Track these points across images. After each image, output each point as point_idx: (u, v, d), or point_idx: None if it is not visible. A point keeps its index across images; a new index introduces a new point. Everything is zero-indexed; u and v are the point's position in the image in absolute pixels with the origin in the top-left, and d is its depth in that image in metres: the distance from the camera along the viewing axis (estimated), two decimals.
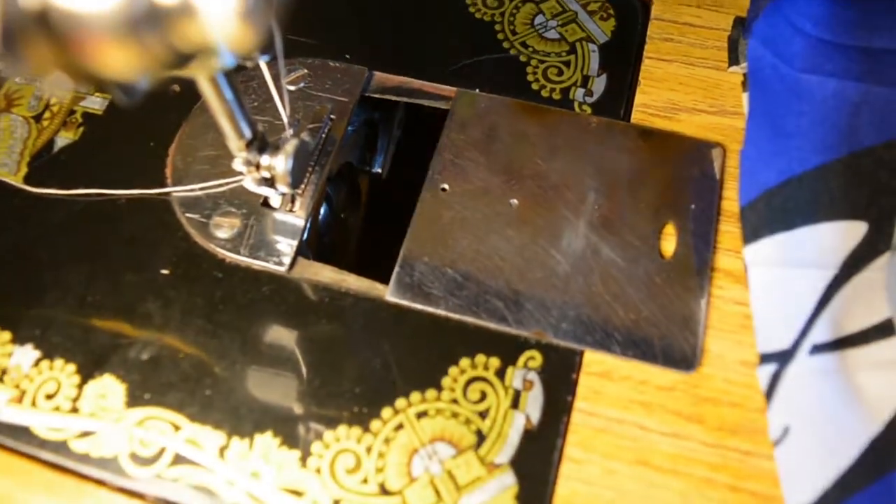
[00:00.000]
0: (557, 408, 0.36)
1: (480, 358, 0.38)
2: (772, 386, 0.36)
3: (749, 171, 0.42)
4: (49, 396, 0.37)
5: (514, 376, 0.37)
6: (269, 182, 0.38)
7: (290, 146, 0.36)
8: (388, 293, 0.39)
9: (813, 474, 0.34)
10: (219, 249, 0.41)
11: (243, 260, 0.40)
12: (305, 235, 0.41)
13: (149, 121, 0.45)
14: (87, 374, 0.38)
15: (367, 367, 0.37)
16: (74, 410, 0.37)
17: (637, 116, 0.45)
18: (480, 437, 0.36)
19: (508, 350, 0.38)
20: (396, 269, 0.40)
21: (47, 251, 0.41)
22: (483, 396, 0.37)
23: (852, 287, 0.38)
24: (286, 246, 0.41)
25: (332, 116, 0.44)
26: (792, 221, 0.40)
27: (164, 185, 0.43)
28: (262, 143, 0.36)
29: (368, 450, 0.36)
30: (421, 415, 0.36)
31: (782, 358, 0.37)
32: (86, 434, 0.36)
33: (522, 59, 0.47)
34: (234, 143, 0.35)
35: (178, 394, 0.37)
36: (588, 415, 0.36)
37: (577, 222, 0.41)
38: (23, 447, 0.36)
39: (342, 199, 0.50)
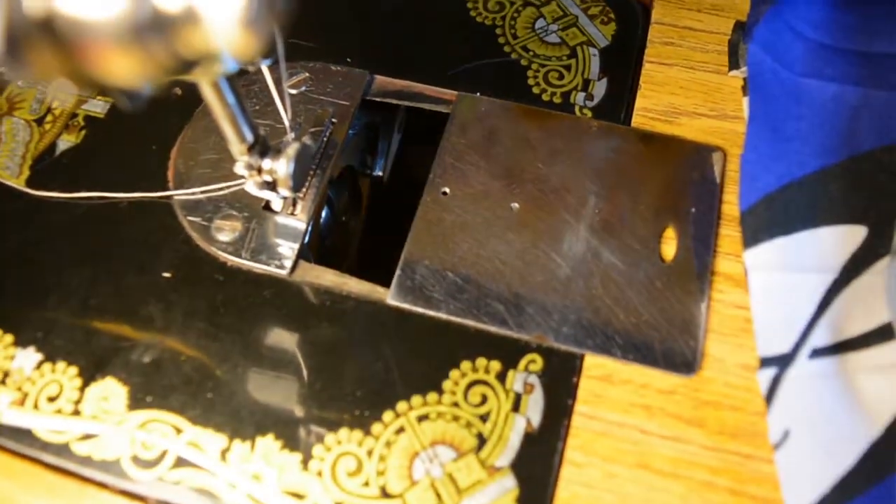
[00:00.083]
0: (558, 411, 0.36)
1: (481, 361, 0.38)
2: (772, 389, 0.36)
3: (749, 175, 0.42)
4: (51, 399, 0.37)
5: (515, 380, 0.37)
6: (271, 186, 0.38)
7: (292, 150, 0.36)
8: (390, 296, 0.39)
9: (813, 478, 0.34)
10: (220, 253, 0.41)
11: (245, 263, 0.41)
12: (307, 239, 0.41)
13: (151, 124, 0.45)
14: (89, 376, 0.38)
15: (369, 371, 0.38)
16: (76, 413, 0.37)
17: (637, 120, 0.45)
18: (481, 441, 0.36)
19: (509, 353, 0.38)
20: (397, 272, 0.40)
21: (49, 254, 0.42)
22: (484, 400, 0.37)
23: (852, 291, 0.38)
24: (287, 249, 0.41)
25: (333, 120, 0.44)
26: (792, 226, 0.40)
27: (165, 188, 0.43)
28: (263, 147, 0.36)
29: (369, 453, 0.36)
30: (422, 418, 0.36)
31: (782, 362, 0.37)
32: (88, 437, 0.36)
33: (523, 62, 0.48)
34: (236, 147, 0.35)
35: (180, 396, 0.37)
36: (589, 418, 0.36)
37: (577, 226, 0.41)
38: (25, 450, 0.36)
39: (343, 202, 0.50)
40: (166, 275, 0.41)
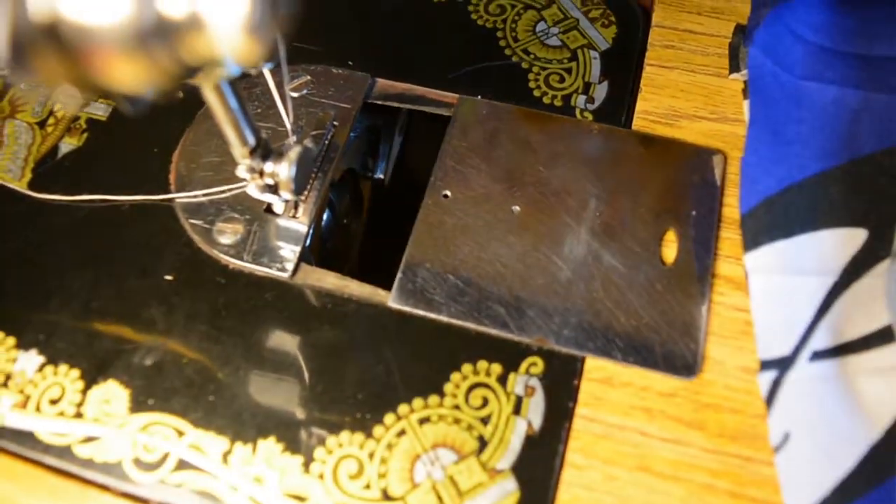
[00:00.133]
0: (559, 414, 0.36)
1: (482, 364, 0.38)
2: (772, 392, 0.36)
3: (749, 178, 0.42)
4: (53, 401, 0.37)
5: (516, 382, 0.37)
6: (273, 189, 0.38)
7: (294, 153, 0.36)
8: (391, 299, 0.40)
9: (813, 480, 0.34)
10: (222, 255, 0.41)
11: (246, 266, 0.41)
12: (308, 241, 0.41)
13: (152, 127, 0.45)
14: (90, 379, 0.38)
15: (370, 373, 0.38)
16: (78, 415, 0.37)
17: (638, 123, 0.45)
18: (482, 443, 0.36)
19: (510, 356, 0.38)
20: (399, 275, 0.40)
21: (51, 257, 0.42)
22: (485, 402, 0.37)
23: (852, 294, 0.38)
24: (289, 252, 0.41)
25: (335, 123, 0.44)
26: (792, 228, 0.40)
27: (167, 191, 0.43)
28: (265, 150, 0.36)
29: (371, 455, 0.36)
30: (423, 420, 0.36)
31: (783, 364, 0.37)
32: (89, 439, 0.37)
33: (524, 65, 0.48)
34: (238, 151, 0.35)
35: (182, 399, 0.37)
36: (589, 421, 0.36)
37: (578, 229, 0.41)
38: (27, 452, 0.36)
39: (345, 205, 0.50)
40: (168, 277, 0.41)
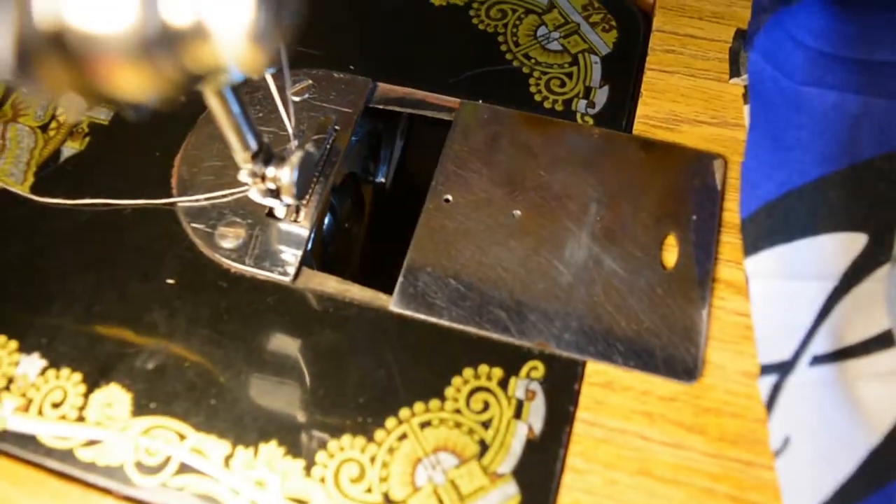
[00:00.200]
0: (560, 418, 0.37)
1: (483, 368, 0.38)
2: (772, 397, 0.37)
3: (750, 183, 0.42)
4: (55, 405, 0.38)
5: (517, 386, 0.37)
6: (275, 193, 0.38)
7: (296, 158, 0.36)
8: (392, 303, 0.40)
9: (813, 485, 0.34)
10: (224, 259, 0.41)
11: (248, 270, 0.41)
12: (310, 246, 0.42)
13: (155, 131, 0.45)
14: (93, 383, 0.38)
15: (371, 377, 0.38)
16: (80, 419, 0.37)
17: (639, 128, 0.45)
18: (483, 447, 0.36)
19: (511, 360, 0.38)
20: (400, 279, 0.40)
21: (54, 261, 0.42)
22: (486, 406, 0.37)
23: (852, 298, 0.39)
24: (291, 256, 0.41)
25: (336, 127, 0.44)
26: (792, 233, 0.40)
27: (169, 195, 0.43)
28: (267, 155, 0.36)
29: (372, 459, 0.36)
30: (424, 424, 0.37)
31: (783, 369, 0.37)
32: (92, 443, 0.37)
33: (525, 70, 0.48)
34: (240, 155, 0.35)
35: (184, 403, 0.37)
36: (590, 425, 0.37)
37: (579, 233, 0.42)
38: (29, 455, 0.37)
39: (346, 209, 0.50)
40: (170, 281, 0.41)
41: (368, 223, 0.54)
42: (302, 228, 0.41)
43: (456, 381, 0.38)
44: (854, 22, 0.45)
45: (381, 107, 0.47)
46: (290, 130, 0.39)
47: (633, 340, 0.38)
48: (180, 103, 0.46)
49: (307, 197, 0.41)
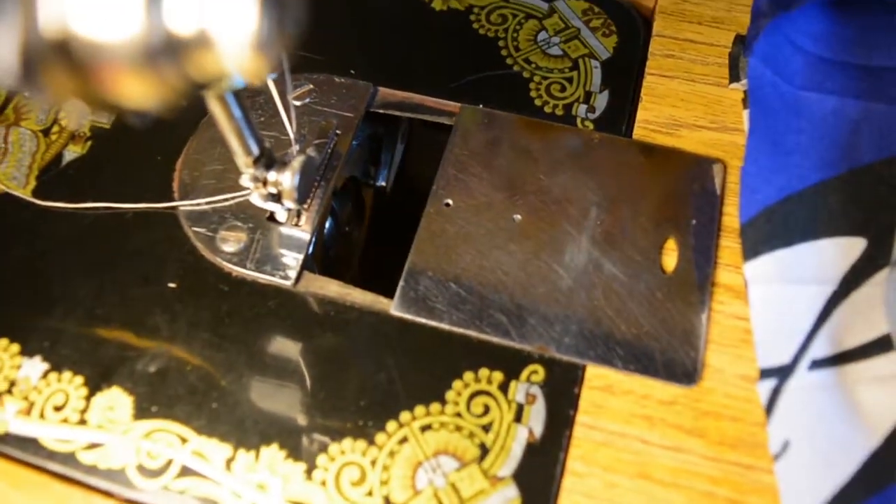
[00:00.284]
0: (560, 421, 0.37)
1: (484, 372, 0.38)
2: (772, 400, 0.37)
3: (749, 187, 0.42)
4: (57, 408, 0.38)
5: (517, 390, 0.37)
6: (276, 197, 0.38)
7: (297, 162, 0.36)
8: (393, 307, 0.40)
9: (813, 488, 0.35)
10: (225, 263, 0.41)
11: (249, 274, 0.41)
12: (311, 249, 0.42)
13: (156, 135, 0.46)
14: (94, 386, 0.38)
15: (372, 381, 0.38)
16: (82, 422, 0.37)
17: (639, 132, 0.45)
18: (484, 451, 0.36)
19: (511, 364, 0.38)
20: (401, 283, 0.40)
21: (56, 264, 0.42)
22: (486, 410, 0.37)
23: (851, 302, 0.39)
24: (292, 260, 0.41)
25: (337, 131, 0.45)
26: (792, 238, 0.41)
27: (171, 199, 0.43)
28: (269, 159, 0.36)
29: (373, 463, 0.36)
30: (425, 428, 0.37)
31: (782, 373, 0.37)
32: (93, 446, 0.37)
33: (525, 75, 0.48)
34: (242, 159, 0.35)
35: (185, 406, 0.37)
36: (590, 428, 0.37)
37: (579, 237, 0.42)
38: (31, 459, 0.37)
39: (347, 213, 0.50)
40: (172, 285, 0.41)
41: (369, 227, 0.55)
42: (303, 232, 0.42)
43: (456, 384, 0.38)
44: (853, 26, 0.45)
45: (381, 111, 0.47)
46: (292, 135, 0.39)
47: (633, 344, 0.38)
48: (182, 108, 0.46)
49: (308, 201, 0.41)
